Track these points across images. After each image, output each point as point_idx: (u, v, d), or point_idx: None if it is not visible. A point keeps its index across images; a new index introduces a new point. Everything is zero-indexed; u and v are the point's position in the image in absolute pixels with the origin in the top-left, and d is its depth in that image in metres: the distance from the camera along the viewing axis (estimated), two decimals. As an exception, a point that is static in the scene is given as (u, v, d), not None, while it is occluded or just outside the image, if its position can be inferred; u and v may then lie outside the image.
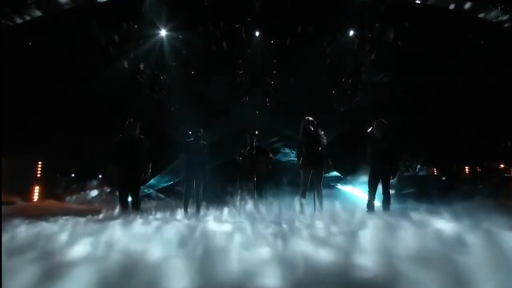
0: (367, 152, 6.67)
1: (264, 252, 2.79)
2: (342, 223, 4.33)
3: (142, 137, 6.57)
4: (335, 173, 11.17)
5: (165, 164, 11.14)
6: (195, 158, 7.04)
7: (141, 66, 12.44)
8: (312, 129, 6.66)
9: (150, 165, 6.63)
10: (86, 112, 10.85)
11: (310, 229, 3.93)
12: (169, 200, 11.38)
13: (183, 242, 3.20)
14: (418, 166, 11.70)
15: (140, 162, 6.48)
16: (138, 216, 5.61)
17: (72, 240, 3.29)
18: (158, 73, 12.59)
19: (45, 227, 4.39)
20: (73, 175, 12.32)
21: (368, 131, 6.72)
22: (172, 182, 11.93)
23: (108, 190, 11.21)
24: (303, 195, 6.63)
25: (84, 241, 3.15)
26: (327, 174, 7.62)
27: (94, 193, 11.50)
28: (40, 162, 11.22)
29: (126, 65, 12.11)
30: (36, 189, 11.11)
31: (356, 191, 10.46)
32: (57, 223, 4.71)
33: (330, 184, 11.18)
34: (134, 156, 6.38)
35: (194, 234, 3.62)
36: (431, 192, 8.89)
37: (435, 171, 12.50)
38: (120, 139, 6.50)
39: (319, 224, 4.24)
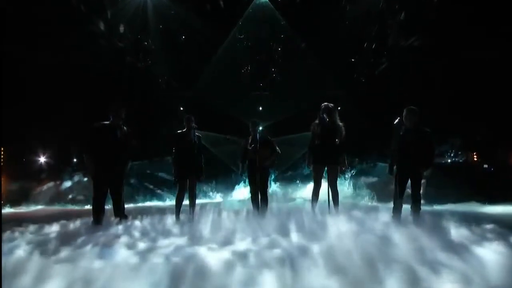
0: (392, 146, 6.41)
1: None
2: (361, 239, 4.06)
3: (126, 128, 6.25)
4: None
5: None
6: (187, 153, 6.75)
7: (121, 29, 12.02)
8: (328, 119, 6.33)
9: (130, 164, 6.38)
10: (57, 85, 10.55)
11: (323, 247, 3.69)
12: (158, 192, 11.28)
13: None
14: (454, 151, 11.37)
15: (125, 157, 6.22)
16: (119, 228, 5.36)
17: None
18: (142, 38, 12.19)
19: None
20: (43, 159, 12.03)
21: (396, 122, 6.37)
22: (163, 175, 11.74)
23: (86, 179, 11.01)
24: (315, 195, 6.39)
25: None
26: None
27: (68, 183, 11.30)
28: (2, 148, 10.89)
29: (103, 28, 11.72)
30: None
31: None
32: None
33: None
34: (117, 148, 6.09)
35: (185, 269, 3.38)
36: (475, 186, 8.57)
37: (475, 157, 12.16)
38: (102, 126, 6.18)
39: (333, 241, 4.02)
